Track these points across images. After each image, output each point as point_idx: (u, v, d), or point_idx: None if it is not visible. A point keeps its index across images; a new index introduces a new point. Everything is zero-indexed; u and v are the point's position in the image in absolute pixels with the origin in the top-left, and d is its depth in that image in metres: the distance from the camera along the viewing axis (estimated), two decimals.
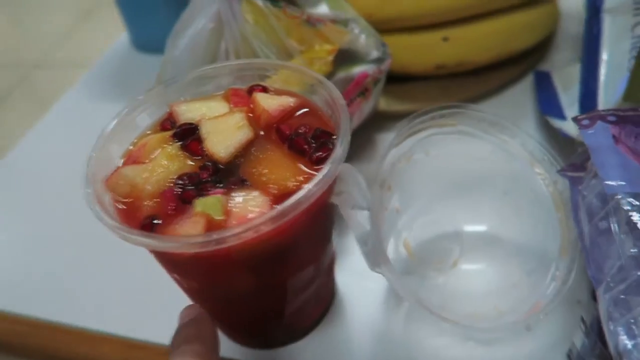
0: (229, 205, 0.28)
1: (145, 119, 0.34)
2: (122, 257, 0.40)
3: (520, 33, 0.54)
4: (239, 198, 0.28)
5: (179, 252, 0.27)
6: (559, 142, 0.46)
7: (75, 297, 0.44)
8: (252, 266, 0.30)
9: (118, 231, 0.27)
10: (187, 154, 0.31)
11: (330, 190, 0.31)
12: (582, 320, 0.32)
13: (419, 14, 0.51)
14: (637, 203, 0.28)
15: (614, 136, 0.31)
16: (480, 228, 0.42)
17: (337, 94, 0.32)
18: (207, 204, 0.28)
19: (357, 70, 0.43)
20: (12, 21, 1.68)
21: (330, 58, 0.41)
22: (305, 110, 0.33)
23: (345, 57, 0.43)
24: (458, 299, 0.38)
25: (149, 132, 0.33)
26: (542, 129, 0.50)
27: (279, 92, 0.34)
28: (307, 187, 0.27)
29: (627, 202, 0.28)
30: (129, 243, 0.27)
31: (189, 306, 0.30)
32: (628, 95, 0.37)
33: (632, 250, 0.27)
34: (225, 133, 0.31)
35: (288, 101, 0.33)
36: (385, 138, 0.50)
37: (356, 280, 0.41)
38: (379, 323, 0.39)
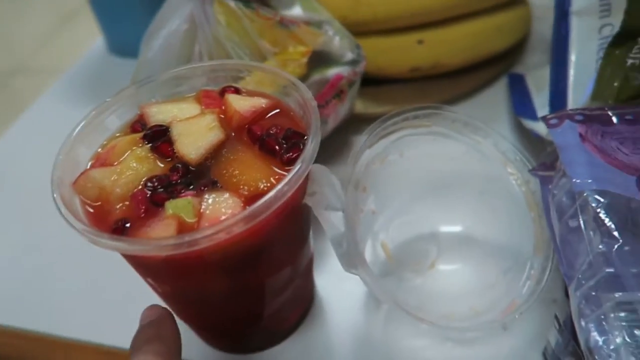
0: (201, 207, 0.27)
1: (115, 121, 0.33)
2: (96, 263, 0.39)
3: (493, 36, 0.55)
4: (210, 200, 0.28)
5: (150, 255, 0.27)
6: (532, 143, 0.46)
7: (46, 303, 0.43)
8: (226, 268, 0.30)
9: (87, 235, 0.26)
10: (158, 155, 0.30)
11: (302, 190, 0.31)
12: (556, 318, 0.32)
13: (393, 16, 0.51)
14: (604, 200, 0.28)
15: (580, 135, 0.31)
16: (456, 228, 0.42)
17: (309, 95, 0.31)
18: (179, 206, 0.27)
19: (332, 72, 0.43)
20: None
21: (304, 60, 0.41)
22: (277, 111, 0.33)
23: (320, 59, 0.43)
24: (435, 299, 0.38)
25: (118, 134, 0.33)
26: (516, 130, 0.51)
27: (251, 94, 0.34)
28: (277, 187, 0.26)
29: (594, 199, 0.29)
30: (98, 247, 0.26)
31: (150, 307, 0.29)
32: (596, 95, 0.38)
33: (600, 246, 0.27)
34: (196, 135, 0.30)
35: (260, 102, 0.33)
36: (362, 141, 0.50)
37: (335, 283, 0.41)
38: (358, 325, 0.39)
